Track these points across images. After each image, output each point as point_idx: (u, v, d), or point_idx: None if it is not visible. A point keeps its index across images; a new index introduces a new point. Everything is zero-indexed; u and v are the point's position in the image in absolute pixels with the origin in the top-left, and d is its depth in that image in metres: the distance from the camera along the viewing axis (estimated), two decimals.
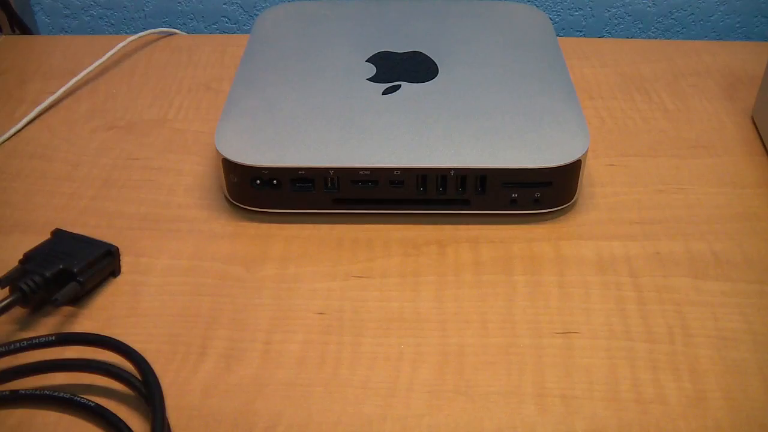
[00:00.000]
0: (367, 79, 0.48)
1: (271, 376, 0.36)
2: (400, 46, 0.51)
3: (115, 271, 0.41)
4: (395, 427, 0.34)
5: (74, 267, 0.39)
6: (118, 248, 0.41)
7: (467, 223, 0.44)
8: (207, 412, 0.34)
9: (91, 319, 0.39)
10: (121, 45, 0.60)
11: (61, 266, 0.39)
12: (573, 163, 0.42)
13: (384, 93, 0.47)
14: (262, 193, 0.43)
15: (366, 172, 0.42)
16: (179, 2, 0.70)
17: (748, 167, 0.48)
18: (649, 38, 0.71)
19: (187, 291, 0.40)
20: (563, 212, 0.45)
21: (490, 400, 0.35)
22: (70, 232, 0.41)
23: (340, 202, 0.44)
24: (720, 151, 0.50)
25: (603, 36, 0.71)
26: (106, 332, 0.38)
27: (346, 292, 0.40)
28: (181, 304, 0.39)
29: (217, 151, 0.43)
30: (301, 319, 0.39)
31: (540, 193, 0.43)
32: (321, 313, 0.38)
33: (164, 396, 0.34)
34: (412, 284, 0.40)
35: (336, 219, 0.44)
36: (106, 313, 0.39)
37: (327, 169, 0.42)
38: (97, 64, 0.58)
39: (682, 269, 0.41)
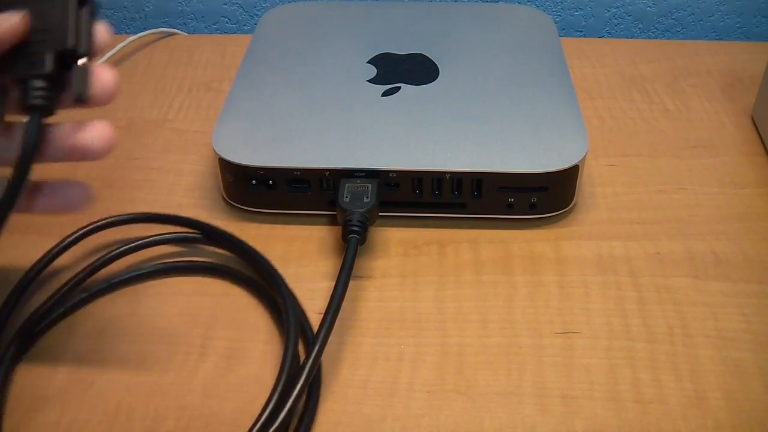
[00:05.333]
0: (367, 81, 0.48)
1: (272, 376, 0.36)
2: (401, 47, 0.51)
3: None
4: (395, 427, 0.34)
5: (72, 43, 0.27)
6: None
7: (465, 227, 0.44)
8: (207, 412, 0.34)
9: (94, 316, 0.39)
10: (121, 45, 0.60)
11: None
12: (570, 168, 0.42)
13: (383, 95, 0.47)
14: (258, 193, 0.43)
15: (361, 174, 0.42)
16: (179, 2, 0.70)
17: (748, 167, 0.48)
18: (650, 38, 0.71)
19: (187, 291, 0.40)
20: (563, 212, 0.45)
21: (490, 400, 0.35)
22: None
23: (334, 205, 0.44)
24: (720, 151, 0.50)
25: (603, 36, 0.71)
26: (107, 331, 0.38)
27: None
28: (181, 304, 0.39)
29: (214, 151, 0.43)
30: None
31: (536, 197, 0.43)
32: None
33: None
34: (412, 284, 0.40)
35: (336, 219, 0.44)
36: (107, 312, 0.39)
37: (322, 171, 0.42)
38: (97, 64, 0.58)
39: (682, 269, 0.41)
